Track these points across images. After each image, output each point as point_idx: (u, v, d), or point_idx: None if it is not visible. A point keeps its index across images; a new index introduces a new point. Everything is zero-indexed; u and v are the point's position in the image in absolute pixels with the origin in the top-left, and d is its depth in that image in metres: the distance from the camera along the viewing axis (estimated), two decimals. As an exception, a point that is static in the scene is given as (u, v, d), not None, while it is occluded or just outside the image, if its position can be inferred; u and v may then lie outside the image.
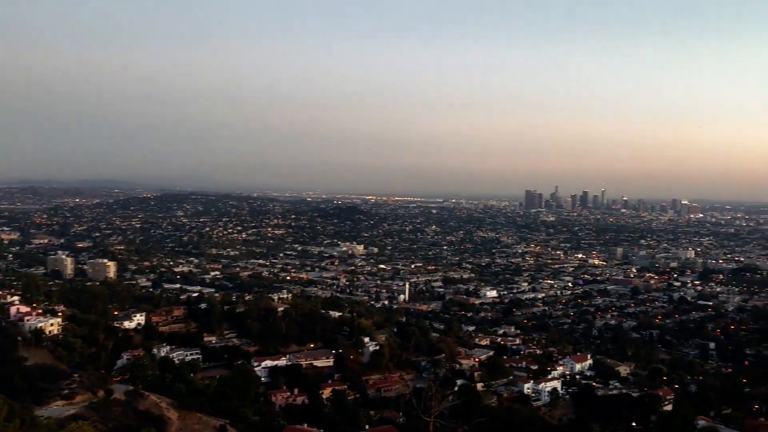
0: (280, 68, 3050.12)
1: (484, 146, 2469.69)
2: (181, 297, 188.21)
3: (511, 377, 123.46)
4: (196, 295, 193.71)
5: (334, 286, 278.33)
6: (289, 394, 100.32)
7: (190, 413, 70.72)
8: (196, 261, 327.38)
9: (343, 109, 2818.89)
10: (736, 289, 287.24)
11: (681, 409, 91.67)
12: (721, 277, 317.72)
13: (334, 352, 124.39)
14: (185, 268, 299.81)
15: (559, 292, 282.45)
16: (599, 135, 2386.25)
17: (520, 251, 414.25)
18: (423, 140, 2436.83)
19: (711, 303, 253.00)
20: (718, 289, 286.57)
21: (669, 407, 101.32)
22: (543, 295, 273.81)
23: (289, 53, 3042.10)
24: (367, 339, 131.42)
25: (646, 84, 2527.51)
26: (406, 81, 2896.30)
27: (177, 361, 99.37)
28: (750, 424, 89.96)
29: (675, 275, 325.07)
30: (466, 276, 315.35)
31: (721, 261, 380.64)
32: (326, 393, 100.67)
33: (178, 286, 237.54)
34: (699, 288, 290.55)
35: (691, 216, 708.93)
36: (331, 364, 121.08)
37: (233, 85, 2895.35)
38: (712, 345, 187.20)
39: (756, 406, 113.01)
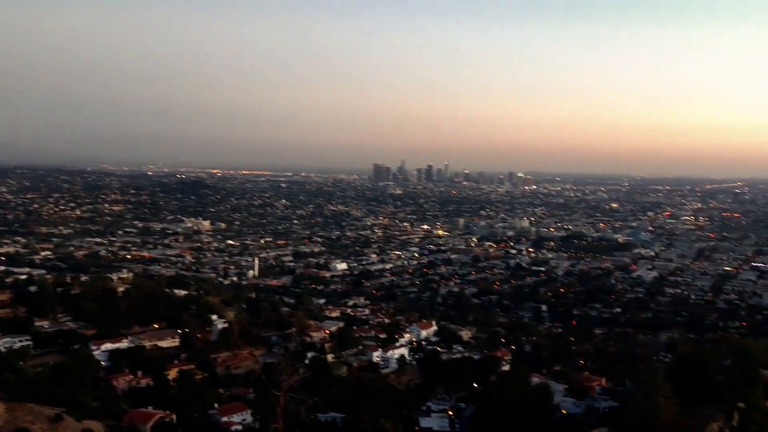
0: (121, 36, 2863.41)
1: (334, 120, 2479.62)
2: (7, 280, 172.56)
3: (360, 347, 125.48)
4: (24, 277, 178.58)
5: (179, 264, 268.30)
6: (132, 377, 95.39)
7: (20, 404, 64.99)
8: (23, 241, 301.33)
9: (187, 82, 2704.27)
10: (565, 254, 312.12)
11: (517, 368, 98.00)
12: (552, 244, 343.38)
13: (180, 331, 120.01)
14: (11, 249, 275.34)
15: (406, 262, 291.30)
16: (445, 111, 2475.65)
17: (369, 224, 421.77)
18: (272, 114, 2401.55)
19: (543, 268, 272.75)
20: (550, 256, 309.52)
21: (507, 367, 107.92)
22: (391, 265, 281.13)
23: (137, 21, 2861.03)
24: (215, 317, 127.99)
25: (486, 63, 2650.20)
26: (254, 55, 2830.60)
27: (3, 350, 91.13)
28: (577, 378, 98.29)
29: (511, 243, 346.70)
30: (316, 250, 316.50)
31: (552, 229, 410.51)
32: (172, 374, 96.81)
33: (2, 268, 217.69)
34: (533, 255, 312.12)
35: (526, 188, 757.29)
36: (177, 344, 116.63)
37: (63, 52, 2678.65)
38: (544, 307, 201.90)
39: (582, 362, 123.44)
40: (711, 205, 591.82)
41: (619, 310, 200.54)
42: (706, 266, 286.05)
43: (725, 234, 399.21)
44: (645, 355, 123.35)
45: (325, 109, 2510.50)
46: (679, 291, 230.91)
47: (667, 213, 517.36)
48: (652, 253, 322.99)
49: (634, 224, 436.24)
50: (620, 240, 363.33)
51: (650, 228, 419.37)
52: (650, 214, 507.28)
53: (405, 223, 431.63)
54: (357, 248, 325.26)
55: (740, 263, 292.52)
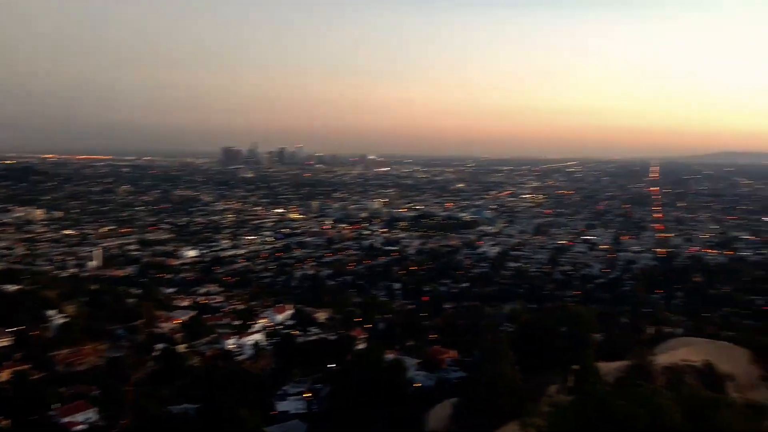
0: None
1: (180, 102, 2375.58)
2: None
3: (214, 335, 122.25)
4: None
5: (10, 257, 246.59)
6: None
7: None
8: None
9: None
10: (416, 233, 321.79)
11: (372, 346, 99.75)
12: (403, 224, 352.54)
13: (12, 330, 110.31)
14: None
15: (260, 247, 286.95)
16: (298, 92, 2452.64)
17: (220, 208, 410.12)
18: (110, 94, 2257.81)
19: (396, 248, 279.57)
20: (402, 235, 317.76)
21: (362, 346, 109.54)
22: (244, 251, 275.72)
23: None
24: (53, 312, 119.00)
25: (338, 45, 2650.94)
26: (91, 32, 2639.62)
27: None
28: (428, 351, 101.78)
29: (365, 224, 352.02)
30: (163, 237, 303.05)
31: (403, 209, 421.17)
32: (5, 376, 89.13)
33: None
34: (386, 235, 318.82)
35: (378, 170, 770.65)
36: (9, 343, 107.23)
37: None
38: (397, 286, 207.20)
39: (433, 336, 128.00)
40: (548, 183, 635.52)
41: (466, 284, 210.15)
42: (543, 241, 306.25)
43: (560, 210, 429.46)
44: (491, 326, 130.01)
45: (172, 89, 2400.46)
46: (520, 264, 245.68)
47: (508, 191, 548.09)
48: (496, 230, 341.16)
49: (479, 203, 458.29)
50: (466, 218, 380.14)
51: (493, 206, 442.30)
52: (493, 193, 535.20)
53: (258, 207, 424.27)
54: (207, 234, 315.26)
55: (574, 237, 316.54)
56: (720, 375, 49.85)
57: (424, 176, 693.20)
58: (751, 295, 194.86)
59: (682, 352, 56.84)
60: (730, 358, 55.86)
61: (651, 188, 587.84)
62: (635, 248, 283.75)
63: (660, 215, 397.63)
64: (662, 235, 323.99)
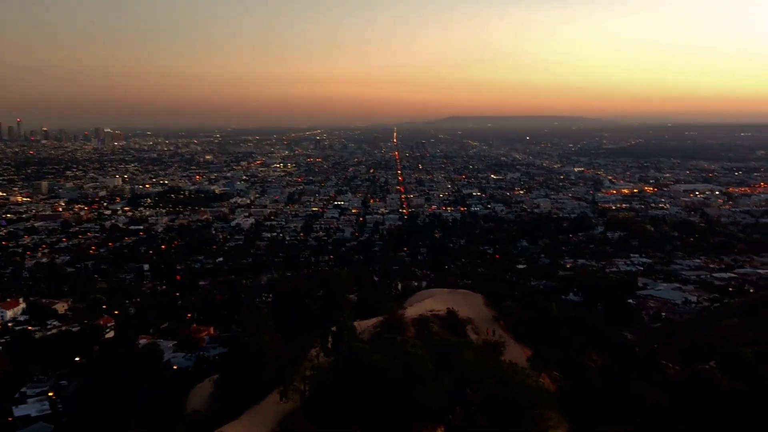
0: None
1: None
2: None
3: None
4: None
5: None
6: None
7: None
8: None
9: None
10: (164, 210, 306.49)
11: (122, 333, 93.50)
12: (149, 200, 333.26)
13: None
14: None
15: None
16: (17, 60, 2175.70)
17: None
18: None
19: (142, 227, 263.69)
20: (148, 213, 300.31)
21: (111, 334, 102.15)
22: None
23: None
24: None
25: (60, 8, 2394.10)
26: None
27: None
28: (185, 331, 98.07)
29: (105, 204, 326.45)
30: None
31: (147, 185, 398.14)
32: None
33: None
34: (129, 213, 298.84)
35: (116, 144, 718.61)
36: None
37: None
38: (146, 266, 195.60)
39: (189, 315, 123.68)
40: (297, 151, 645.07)
41: (221, 259, 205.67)
42: (296, 209, 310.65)
43: (311, 178, 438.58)
44: (249, 299, 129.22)
45: None
46: (275, 234, 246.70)
47: (259, 162, 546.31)
48: (248, 201, 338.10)
49: (229, 174, 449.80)
50: (217, 191, 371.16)
51: (244, 177, 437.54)
52: (243, 163, 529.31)
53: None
54: None
55: (325, 203, 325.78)
56: (461, 320, 54.53)
57: (168, 149, 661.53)
58: (482, 245, 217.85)
59: (428, 303, 61.17)
60: (468, 304, 61.42)
61: (393, 153, 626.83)
62: (382, 210, 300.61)
63: (402, 178, 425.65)
64: (405, 196, 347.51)
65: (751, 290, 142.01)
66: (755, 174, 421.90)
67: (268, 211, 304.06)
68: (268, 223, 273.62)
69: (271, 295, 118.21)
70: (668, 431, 42.67)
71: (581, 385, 45.05)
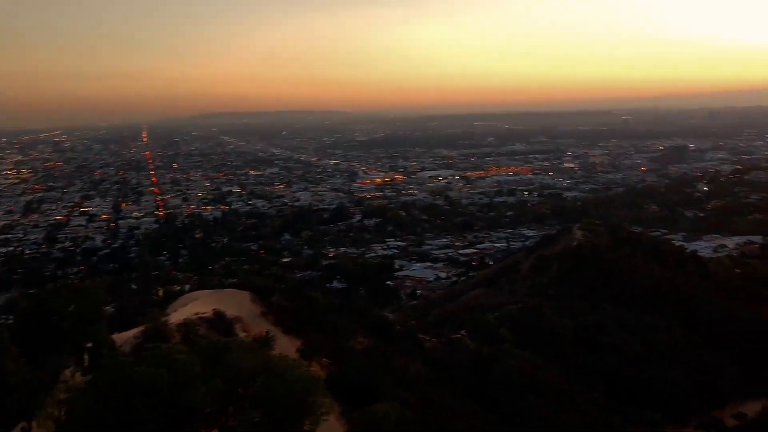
0: None
1: None
2: None
3: None
4: None
5: None
6: None
7: None
8: None
9: None
10: None
11: None
12: None
13: None
14: None
15: None
16: None
17: None
18: None
19: None
20: None
21: None
22: None
23: None
24: None
25: None
26: None
27: None
28: None
29: None
30: None
31: None
32: None
33: None
34: None
35: None
36: None
37: None
38: None
39: None
40: (32, 156, 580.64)
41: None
42: (36, 219, 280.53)
43: (51, 184, 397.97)
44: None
45: None
46: (12, 249, 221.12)
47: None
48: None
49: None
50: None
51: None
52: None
53: None
54: None
55: (70, 210, 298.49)
56: (228, 320, 53.82)
57: None
58: (245, 242, 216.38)
59: (193, 307, 59.41)
60: (235, 303, 60.74)
61: (145, 152, 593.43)
62: (136, 214, 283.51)
63: (156, 179, 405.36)
64: (160, 197, 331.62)
65: (490, 263, 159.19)
66: (487, 158, 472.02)
67: (2, 224, 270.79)
68: (2, 237, 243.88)
69: (11, 317, 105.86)
70: (428, 400, 46.40)
71: (349, 367, 47.11)
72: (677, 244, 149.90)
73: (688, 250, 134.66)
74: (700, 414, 68.40)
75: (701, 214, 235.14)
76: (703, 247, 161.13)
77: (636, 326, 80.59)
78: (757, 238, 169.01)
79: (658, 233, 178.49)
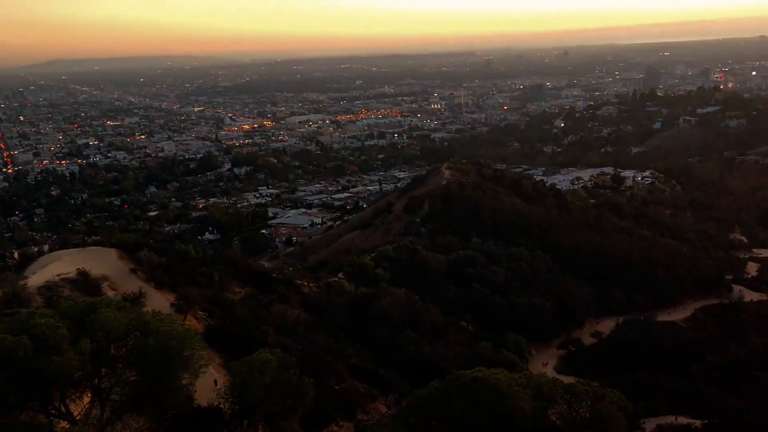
0: None
1: None
2: None
3: None
4: None
5: None
6: None
7: None
8: None
9: None
10: None
11: None
12: None
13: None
14: None
15: None
16: None
17: None
18: None
19: None
20: None
21: None
22: None
23: None
24: None
25: None
26: None
27: None
28: None
29: None
30: None
31: None
32: None
33: None
34: None
35: None
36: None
37: None
38: None
39: None
40: None
41: None
42: None
43: None
44: None
45: None
46: None
47: None
48: None
49: None
50: None
51: None
52: None
53: None
54: None
55: None
56: (94, 279, 51.30)
57: None
58: (107, 197, 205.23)
59: (54, 268, 56.03)
60: (101, 261, 57.86)
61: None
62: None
63: (0, 133, 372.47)
64: (8, 153, 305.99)
65: (364, 206, 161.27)
66: (357, 102, 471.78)
67: None
68: None
69: None
70: (308, 343, 47.00)
71: (227, 318, 46.64)
72: (538, 178, 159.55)
73: (547, 184, 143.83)
74: (561, 335, 75.03)
75: (559, 149, 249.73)
76: (561, 180, 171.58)
77: (502, 257, 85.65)
78: (609, 170, 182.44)
79: (520, 169, 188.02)
